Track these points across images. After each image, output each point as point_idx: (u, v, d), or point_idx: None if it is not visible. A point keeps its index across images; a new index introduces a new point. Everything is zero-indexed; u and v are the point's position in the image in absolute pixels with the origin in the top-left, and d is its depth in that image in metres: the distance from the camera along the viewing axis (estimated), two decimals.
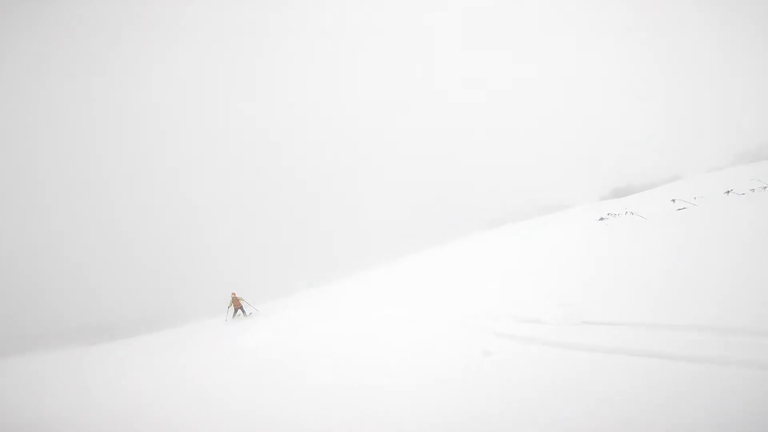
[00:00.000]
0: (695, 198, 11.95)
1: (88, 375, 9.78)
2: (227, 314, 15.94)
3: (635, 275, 8.04)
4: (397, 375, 6.44)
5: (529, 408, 4.82)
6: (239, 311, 15.78)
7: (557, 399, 4.85)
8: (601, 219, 13.21)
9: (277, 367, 7.71)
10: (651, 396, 4.50)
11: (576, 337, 6.39)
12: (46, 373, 10.56)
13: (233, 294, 16.12)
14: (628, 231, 11.06)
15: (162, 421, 6.38)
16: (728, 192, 11.67)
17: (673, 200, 12.27)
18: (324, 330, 9.43)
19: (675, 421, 4.03)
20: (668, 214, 11.45)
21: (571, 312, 7.13)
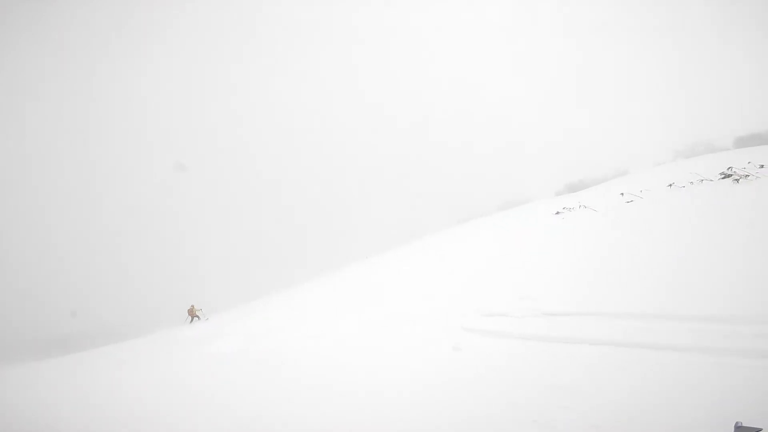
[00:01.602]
0: (641, 191, 12.68)
1: (88, 377, 9.56)
2: (186, 321, 18.68)
3: (590, 266, 8.46)
4: (376, 376, 6.51)
5: (500, 402, 5.00)
6: (194, 319, 18.71)
7: (526, 392, 5.06)
8: (557, 213, 13.76)
9: (267, 371, 7.72)
10: (613, 382, 4.77)
11: (538, 328, 6.67)
12: (45, 375, 10.32)
13: (192, 306, 19.07)
14: (582, 224, 11.62)
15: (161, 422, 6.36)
16: (671, 185, 12.48)
17: (622, 193, 12.96)
18: (301, 334, 9.41)
19: (638, 404, 4.30)
20: (618, 207, 12.12)
21: (533, 305, 7.43)
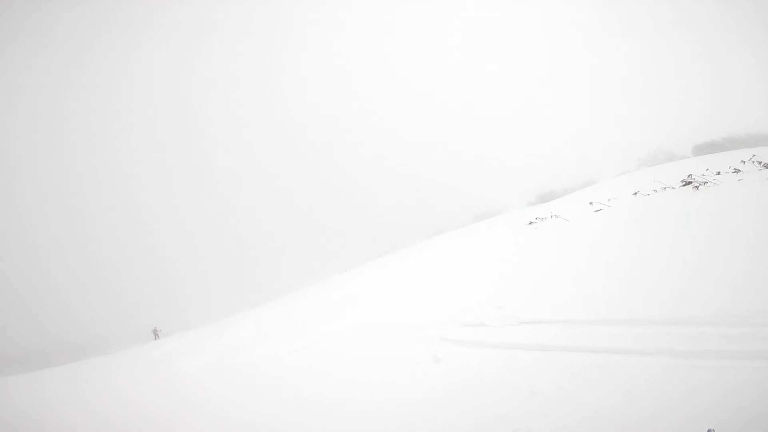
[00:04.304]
0: (609, 200, 13.12)
1: (87, 384, 9.33)
2: (154, 338, 21.81)
3: (563, 274, 8.66)
4: (359, 388, 6.46)
5: (481, 411, 5.02)
6: (156, 337, 22.15)
7: (507, 401, 5.10)
8: (530, 223, 14.07)
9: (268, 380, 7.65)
10: (596, 389, 4.85)
11: (516, 337, 6.76)
12: (46, 381, 9.97)
13: (155, 327, 22.65)
14: (555, 233, 11.90)
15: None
16: (636, 193, 12.98)
17: (591, 203, 13.39)
18: (280, 346, 9.30)
19: (623, 412, 4.37)
20: (588, 216, 12.50)
21: (509, 313, 7.53)
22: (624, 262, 8.13)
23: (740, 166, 12.30)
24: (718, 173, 11.97)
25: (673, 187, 12.14)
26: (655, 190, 12.51)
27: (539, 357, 5.92)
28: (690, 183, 11.70)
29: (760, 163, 12.06)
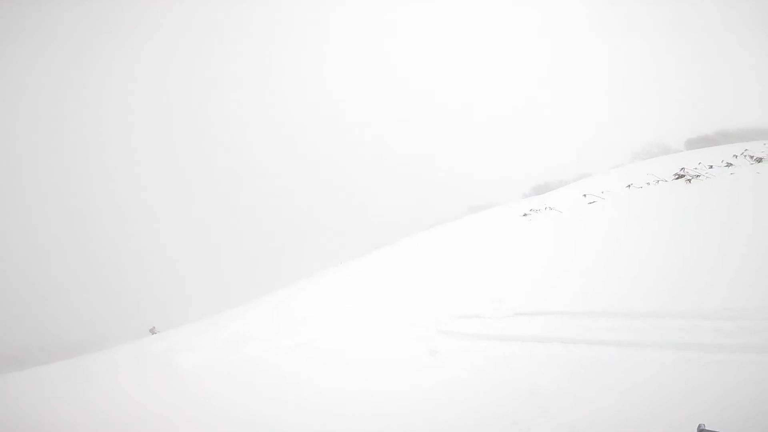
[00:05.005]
0: (603, 192, 13.19)
1: (87, 383, 9.38)
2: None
3: (558, 265, 8.72)
4: (359, 385, 6.51)
5: (479, 406, 5.03)
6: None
7: (505, 395, 5.12)
8: (525, 215, 14.16)
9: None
10: (598, 384, 4.86)
11: (511, 329, 6.83)
12: (44, 379, 10.08)
13: (153, 327, 21.39)
14: (549, 225, 11.96)
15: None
16: (629, 186, 13.06)
17: (585, 195, 13.48)
18: (290, 339, 9.33)
19: (626, 407, 4.39)
20: (582, 207, 12.56)
21: (505, 305, 7.58)
22: (623, 256, 8.18)
23: (732, 160, 12.42)
24: (711, 167, 12.07)
25: (666, 180, 12.22)
26: (648, 183, 12.62)
27: (538, 352, 5.95)
28: (683, 176, 11.78)
29: (752, 157, 12.17)
